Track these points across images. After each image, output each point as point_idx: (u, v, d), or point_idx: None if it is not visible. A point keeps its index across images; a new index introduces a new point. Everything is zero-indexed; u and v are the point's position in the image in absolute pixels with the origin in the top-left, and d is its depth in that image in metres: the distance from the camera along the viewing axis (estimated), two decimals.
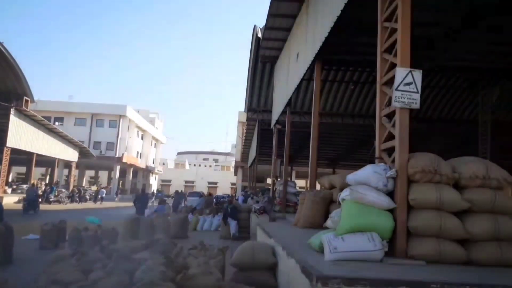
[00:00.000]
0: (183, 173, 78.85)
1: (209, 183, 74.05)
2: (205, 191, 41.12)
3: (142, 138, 58.80)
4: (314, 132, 10.15)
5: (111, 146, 48.37)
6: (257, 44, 15.07)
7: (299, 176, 41.68)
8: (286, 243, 4.79)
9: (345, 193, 4.30)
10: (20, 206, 21.63)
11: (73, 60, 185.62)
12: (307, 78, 13.73)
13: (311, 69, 10.43)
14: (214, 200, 19.36)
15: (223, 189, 66.62)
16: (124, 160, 47.95)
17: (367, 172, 4.21)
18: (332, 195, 6.90)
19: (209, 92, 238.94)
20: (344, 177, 5.74)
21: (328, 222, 4.52)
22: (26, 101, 25.62)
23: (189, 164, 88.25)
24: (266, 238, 6.38)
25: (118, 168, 48.14)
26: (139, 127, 55.85)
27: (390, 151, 4.40)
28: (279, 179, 15.17)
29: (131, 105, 52.43)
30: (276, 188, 14.58)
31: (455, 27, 10.81)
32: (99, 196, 33.99)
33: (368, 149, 25.02)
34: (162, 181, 74.61)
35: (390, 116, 4.46)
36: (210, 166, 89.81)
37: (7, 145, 25.36)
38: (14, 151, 26.64)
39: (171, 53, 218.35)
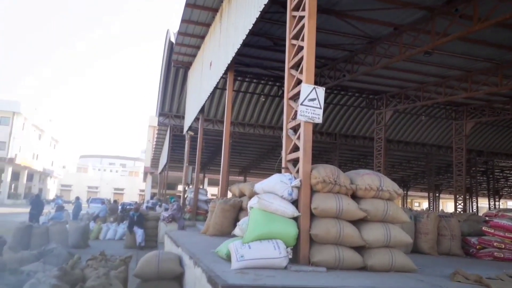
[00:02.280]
0: (86, 178, 73.46)
1: (115, 189, 70.06)
2: (111, 198, 38.81)
3: (39, 138, 53.55)
4: (225, 140, 10.28)
5: (2, 145, 43.19)
6: (170, 49, 14.86)
7: (211, 183, 41.64)
8: (193, 252, 4.75)
9: (253, 201, 4.42)
10: None
11: None
12: (221, 87, 13.90)
13: (224, 78, 10.59)
14: (120, 207, 18.35)
15: (131, 196, 63.52)
16: (18, 161, 43.13)
17: (273, 181, 4.39)
18: (241, 203, 7.03)
19: (119, 94, 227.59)
20: (253, 185, 5.91)
21: (236, 230, 4.59)
22: None
23: (93, 168, 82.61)
24: (174, 247, 6.25)
25: (10, 170, 43.12)
26: (36, 126, 50.80)
27: (295, 161, 4.64)
28: (190, 186, 14.99)
29: (28, 101, 47.60)
30: (187, 196, 14.37)
31: (356, 51, 11.91)
32: None
33: (276, 158, 26.04)
34: (62, 185, 68.65)
35: (296, 128, 4.71)
36: (116, 171, 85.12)
37: None
38: None
39: (76, 50, 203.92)
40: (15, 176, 46.17)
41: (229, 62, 8.88)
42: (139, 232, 11.42)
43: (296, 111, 4.60)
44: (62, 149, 66.54)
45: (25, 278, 4.25)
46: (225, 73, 9.76)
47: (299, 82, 4.74)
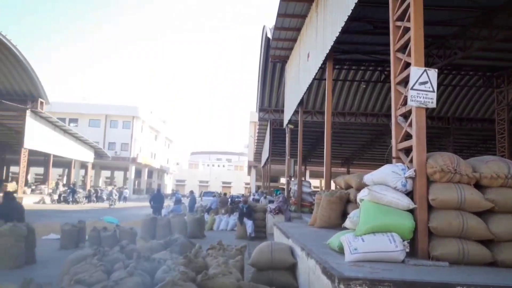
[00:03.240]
0: (197, 173, 79.37)
1: (223, 182, 74.36)
2: (220, 191, 41.31)
3: (155, 139, 59.38)
4: (327, 131, 10.13)
5: (126, 146, 48.98)
6: (267, 44, 15.15)
7: (313, 175, 41.54)
8: (304, 244, 4.82)
9: (363, 194, 4.31)
10: (39, 206, 22.07)
11: (83, 61, 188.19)
12: (319, 77, 13.74)
13: (322, 68, 10.44)
14: (229, 199, 19.46)
15: (237, 189, 66.83)
16: (139, 160, 48.51)
17: (385, 172, 4.22)
18: (348, 195, 6.90)
19: (221, 92, 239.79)
20: (361, 177, 5.75)
21: (347, 223, 4.53)
22: (41, 103, 26.11)
23: (203, 164, 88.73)
24: (284, 238, 6.42)
25: (133, 168, 48.73)
26: (152, 128, 56.41)
27: (407, 150, 4.39)
28: (293, 179, 15.19)
29: (144, 105, 53.10)
30: (290, 188, 14.60)
31: (468, 25, 10.73)
32: (123, 196, 34.55)
33: (382, 148, 24.89)
34: (177, 181, 75.24)
35: (406, 115, 4.45)
36: (223, 166, 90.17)
37: (24, 146, 25.83)
38: (32, 152, 27.15)
39: (181, 53, 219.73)
40: (138, 174, 51.99)
41: (327, 51, 8.75)
42: (248, 223, 11.94)
43: (405, 97, 4.35)
44: (175, 147, 72.89)
45: (157, 265, 4.77)
46: (324, 62, 9.63)
47: (407, 65, 4.47)
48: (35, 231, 8.07)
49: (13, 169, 43.03)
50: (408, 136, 4.34)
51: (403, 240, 3.78)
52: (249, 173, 50.46)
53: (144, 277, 4.20)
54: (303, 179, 14.46)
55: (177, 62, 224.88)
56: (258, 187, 42.09)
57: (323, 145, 10.33)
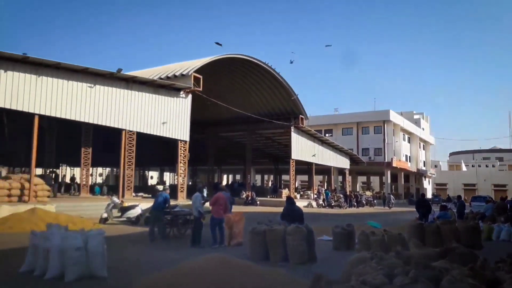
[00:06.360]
0: (459, 175, 71.21)
1: (495, 185, 63.75)
2: (492, 195, 35.64)
3: (409, 141, 57.23)
4: None
5: (379, 151, 49.37)
6: None
7: None
8: None
9: None
10: (307, 210, 24.99)
11: (337, 76, 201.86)
12: None
13: None
14: (508, 205, 16.47)
15: None
16: (394, 164, 47.86)
17: None
18: None
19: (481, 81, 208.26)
20: None
21: None
22: (301, 119, 30.25)
23: (466, 165, 79.00)
24: None
25: (388, 172, 48.49)
26: (404, 130, 54.67)
27: None
28: None
29: (393, 108, 52.23)
30: None
31: None
32: (391, 202, 35.39)
33: None
34: (437, 184, 69.82)
35: None
36: (492, 165, 77.60)
37: (292, 157, 30.24)
38: (297, 162, 31.60)
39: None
40: (393, 178, 51.30)
41: None
42: None
43: None
44: (431, 149, 68.02)
45: (438, 274, 4.50)
46: None
47: None
48: (313, 232, 9.12)
49: (284, 177, 50.62)
50: None
51: None
52: None
53: (427, 285, 4.04)
54: None
55: (427, 60, 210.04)
56: None
57: None
